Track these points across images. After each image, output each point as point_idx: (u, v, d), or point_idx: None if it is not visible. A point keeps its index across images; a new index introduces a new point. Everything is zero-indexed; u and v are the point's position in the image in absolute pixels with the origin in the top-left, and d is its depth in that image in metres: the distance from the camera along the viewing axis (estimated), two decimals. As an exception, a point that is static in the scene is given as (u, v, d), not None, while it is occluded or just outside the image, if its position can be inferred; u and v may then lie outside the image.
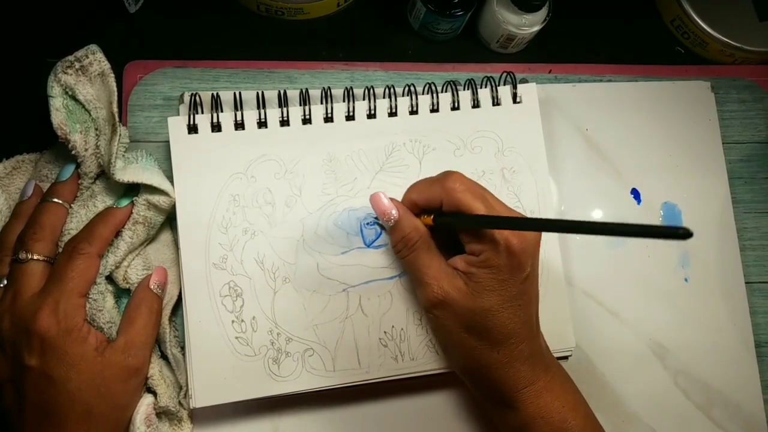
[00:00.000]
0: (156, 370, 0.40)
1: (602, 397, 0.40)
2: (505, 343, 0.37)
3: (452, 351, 0.40)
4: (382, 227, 0.43)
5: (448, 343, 0.40)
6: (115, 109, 0.41)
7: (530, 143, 0.46)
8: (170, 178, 0.42)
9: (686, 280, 0.49)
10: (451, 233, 0.38)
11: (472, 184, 0.37)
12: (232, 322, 0.41)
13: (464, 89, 0.46)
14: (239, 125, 0.44)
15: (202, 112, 0.44)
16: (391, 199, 0.39)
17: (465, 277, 0.36)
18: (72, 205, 0.41)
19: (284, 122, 0.44)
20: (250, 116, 0.44)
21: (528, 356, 0.37)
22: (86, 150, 0.41)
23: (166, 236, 0.44)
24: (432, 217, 0.38)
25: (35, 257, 0.38)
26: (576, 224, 0.31)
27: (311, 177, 0.44)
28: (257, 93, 0.44)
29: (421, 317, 0.43)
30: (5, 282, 0.39)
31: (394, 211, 0.38)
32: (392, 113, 0.45)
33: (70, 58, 0.40)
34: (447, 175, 0.37)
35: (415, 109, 0.45)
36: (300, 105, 0.44)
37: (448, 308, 0.37)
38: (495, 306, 0.36)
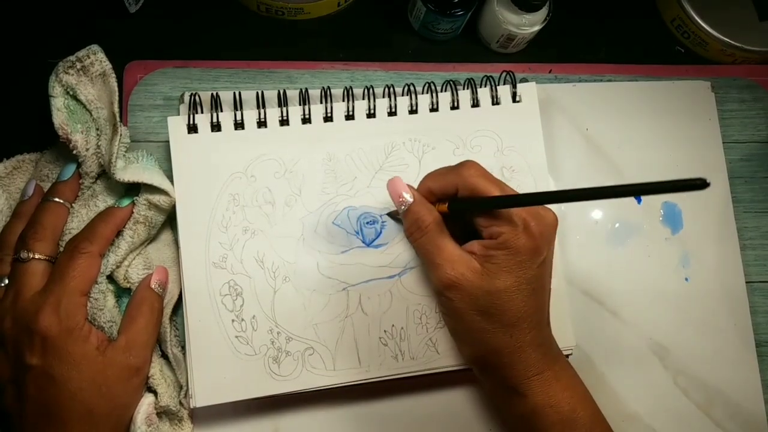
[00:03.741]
0: (157, 369, 0.40)
1: (602, 397, 0.40)
2: (518, 326, 0.37)
3: (463, 336, 0.40)
4: (383, 226, 0.43)
5: (459, 328, 0.39)
6: (116, 109, 0.41)
7: (530, 142, 0.46)
8: (170, 177, 0.42)
9: (686, 279, 0.49)
10: (464, 221, 0.39)
11: (487, 172, 0.38)
12: (233, 321, 0.41)
13: (464, 89, 0.46)
14: (239, 125, 0.44)
15: (202, 112, 0.44)
16: (409, 186, 0.40)
17: (481, 260, 0.37)
18: (73, 204, 0.41)
19: (284, 122, 0.44)
20: (250, 116, 0.44)
21: (539, 344, 0.38)
22: (87, 150, 0.41)
23: (166, 236, 0.44)
24: (447, 204, 0.39)
25: (36, 256, 0.38)
26: (594, 190, 0.31)
27: (311, 176, 0.44)
28: (257, 93, 0.44)
29: (422, 316, 0.43)
30: (6, 281, 0.39)
31: (407, 195, 0.39)
32: (392, 113, 0.45)
33: (72, 58, 0.40)
34: (463, 163, 0.38)
35: (414, 108, 0.46)
36: (300, 105, 0.45)
37: (461, 289, 0.37)
38: (510, 287, 0.36)
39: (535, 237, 0.36)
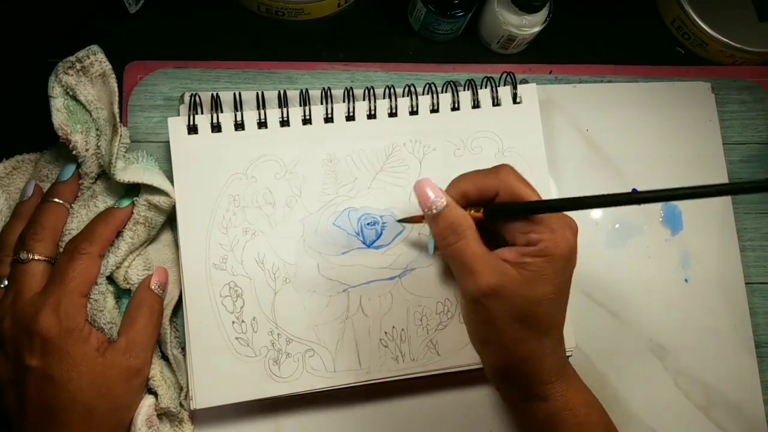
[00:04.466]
0: (157, 370, 0.40)
1: (602, 397, 0.40)
2: (550, 333, 0.37)
3: (492, 345, 0.39)
4: (383, 227, 0.43)
5: (491, 336, 0.38)
6: (116, 110, 0.41)
7: (530, 143, 0.46)
8: (170, 178, 0.42)
9: (686, 280, 0.49)
10: (489, 231, 0.38)
11: (523, 177, 0.37)
12: (233, 322, 0.41)
13: (464, 89, 0.46)
14: (239, 125, 0.44)
15: (202, 113, 0.44)
16: (438, 188, 0.37)
17: (516, 267, 0.36)
18: (73, 205, 0.41)
19: (284, 122, 0.44)
20: (250, 116, 0.44)
21: (558, 350, 0.38)
22: (87, 150, 0.41)
23: (166, 237, 0.44)
24: (481, 210, 0.37)
25: (36, 257, 0.38)
26: (649, 195, 0.30)
27: (311, 177, 0.44)
28: (257, 93, 0.44)
29: (422, 317, 0.43)
30: (6, 282, 0.39)
31: (441, 198, 0.37)
32: (392, 113, 0.45)
33: (72, 58, 0.40)
34: (501, 166, 0.37)
35: (415, 109, 0.45)
36: (300, 105, 0.44)
37: (501, 297, 0.36)
38: (548, 294, 0.36)
39: (572, 245, 0.36)
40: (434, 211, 0.37)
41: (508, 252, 0.36)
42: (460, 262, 0.36)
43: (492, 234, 0.38)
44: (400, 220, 0.43)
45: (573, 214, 0.37)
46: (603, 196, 0.33)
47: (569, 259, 0.36)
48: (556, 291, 0.36)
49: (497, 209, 0.37)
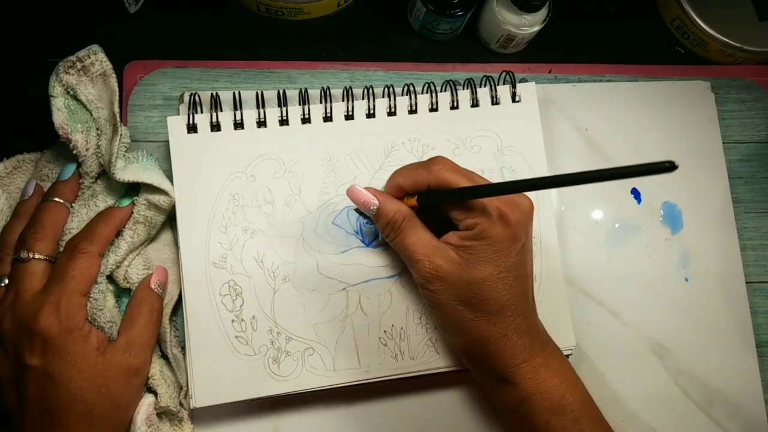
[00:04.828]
0: (157, 370, 0.40)
1: (602, 397, 0.40)
2: (501, 314, 0.37)
3: (450, 328, 0.40)
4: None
5: (445, 320, 0.40)
6: (117, 109, 0.41)
7: (529, 142, 0.46)
8: (170, 177, 0.42)
9: (687, 279, 0.49)
10: (437, 214, 0.39)
11: (458, 166, 0.38)
12: (232, 321, 0.41)
13: (463, 89, 0.46)
14: (239, 125, 0.44)
15: (202, 112, 0.44)
16: (369, 189, 0.40)
17: (458, 250, 0.37)
18: (73, 204, 0.41)
19: (284, 122, 0.44)
20: (250, 116, 0.44)
21: (525, 331, 0.38)
22: (87, 150, 0.41)
23: (166, 236, 0.44)
24: (416, 197, 0.39)
25: (36, 256, 0.38)
26: (559, 178, 0.31)
27: (311, 176, 0.44)
28: (257, 93, 0.44)
29: (421, 316, 0.43)
30: (6, 281, 0.39)
31: (373, 199, 0.39)
32: (391, 113, 0.45)
33: (72, 58, 0.40)
34: (433, 158, 0.38)
35: (414, 108, 0.46)
36: (299, 104, 0.45)
37: (442, 281, 0.37)
38: (490, 276, 0.36)
39: (512, 225, 0.36)
40: (372, 210, 0.39)
41: (452, 236, 0.38)
42: (403, 253, 0.39)
43: (449, 220, 0.39)
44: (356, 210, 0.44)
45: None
46: (508, 182, 0.36)
47: (510, 238, 0.36)
48: (499, 272, 0.36)
49: (427, 198, 0.38)
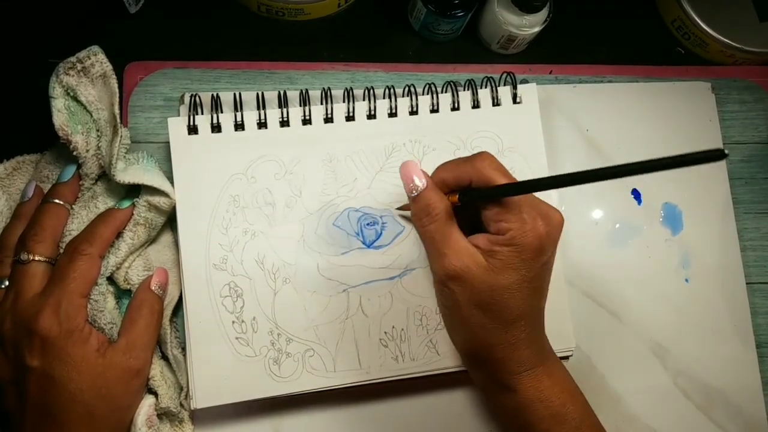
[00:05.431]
0: (157, 371, 0.40)
1: (602, 397, 0.40)
2: (515, 324, 0.37)
3: (459, 328, 0.40)
4: (383, 227, 0.43)
5: (456, 320, 0.39)
6: (117, 111, 0.41)
7: (530, 143, 0.46)
8: (171, 179, 0.42)
9: (687, 280, 0.49)
10: (472, 217, 0.38)
11: (501, 165, 0.37)
12: (233, 322, 0.41)
13: (464, 90, 0.46)
14: (239, 126, 0.44)
15: (202, 113, 0.44)
16: (421, 170, 0.39)
17: (486, 254, 0.36)
18: (73, 206, 0.41)
19: (284, 123, 0.44)
20: (250, 117, 0.44)
21: (532, 342, 0.38)
22: (87, 151, 0.41)
23: (167, 237, 0.44)
24: (457, 195, 0.38)
25: (36, 258, 0.38)
26: (607, 170, 0.31)
27: (311, 177, 0.44)
28: (257, 94, 0.44)
29: (422, 317, 0.43)
30: (6, 283, 0.39)
31: (420, 180, 0.38)
32: (392, 114, 0.45)
33: (72, 59, 0.40)
34: (478, 154, 0.38)
35: (415, 109, 0.45)
36: (300, 105, 0.45)
37: (465, 282, 0.36)
38: (513, 284, 0.36)
39: (542, 236, 0.36)
40: (414, 193, 0.38)
41: (480, 238, 0.37)
42: (431, 244, 0.38)
43: (478, 222, 0.38)
44: (399, 208, 0.44)
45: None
46: (552, 177, 0.36)
47: (539, 250, 0.36)
48: (522, 281, 0.36)
49: (469, 194, 0.38)
